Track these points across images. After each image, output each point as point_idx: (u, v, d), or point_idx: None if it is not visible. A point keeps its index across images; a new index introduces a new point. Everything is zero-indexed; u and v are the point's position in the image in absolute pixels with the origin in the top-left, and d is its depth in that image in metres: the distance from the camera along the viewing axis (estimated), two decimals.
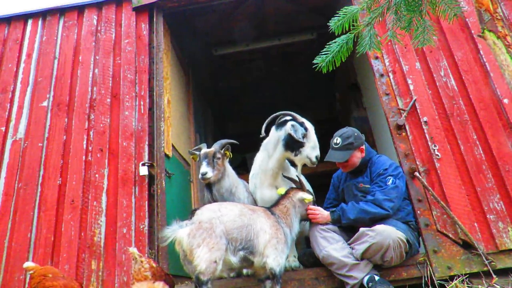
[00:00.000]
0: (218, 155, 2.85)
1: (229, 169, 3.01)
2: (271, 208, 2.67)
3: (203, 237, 2.16)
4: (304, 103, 7.55)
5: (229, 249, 2.26)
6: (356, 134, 2.73)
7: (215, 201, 2.82)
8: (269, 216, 2.54)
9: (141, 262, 2.15)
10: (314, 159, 2.69)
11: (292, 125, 2.68)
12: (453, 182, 2.76)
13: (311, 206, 2.69)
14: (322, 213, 2.65)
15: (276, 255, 2.35)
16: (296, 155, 2.69)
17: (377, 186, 2.59)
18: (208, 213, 2.31)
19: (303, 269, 2.84)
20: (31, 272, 2.13)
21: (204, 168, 2.77)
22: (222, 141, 2.96)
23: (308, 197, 2.64)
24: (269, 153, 2.84)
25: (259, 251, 2.34)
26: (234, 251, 2.28)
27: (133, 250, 2.17)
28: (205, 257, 2.11)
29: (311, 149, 2.69)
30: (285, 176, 2.89)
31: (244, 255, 2.31)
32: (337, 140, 2.72)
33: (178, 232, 2.18)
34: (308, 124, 2.75)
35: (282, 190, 2.76)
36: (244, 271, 2.79)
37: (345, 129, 2.79)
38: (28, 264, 2.18)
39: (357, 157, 2.72)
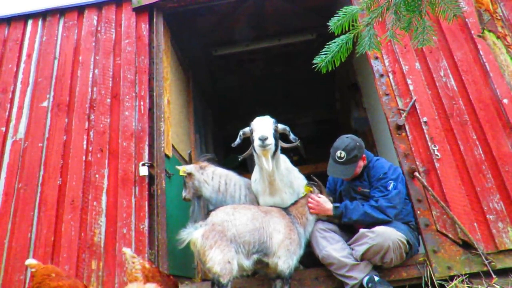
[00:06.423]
0: (184, 175, 3.12)
1: (207, 175, 3.10)
2: (289, 207, 2.71)
3: (215, 239, 2.21)
4: (304, 103, 7.56)
5: (242, 252, 2.28)
6: (358, 144, 2.63)
7: (204, 208, 2.99)
8: (283, 216, 2.58)
9: (133, 263, 2.10)
10: (258, 142, 2.54)
11: (243, 133, 2.86)
12: (453, 182, 2.77)
13: (314, 195, 2.69)
14: (323, 205, 2.63)
15: (287, 257, 2.41)
16: (254, 147, 2.65)
17: (378, 191, 2.57)
18: (221, 216, 2.35)
19: (303, 269, 2.84)
20: (33, 270, 2.06)
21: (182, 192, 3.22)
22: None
23: (306, 188, 2.71)
24: (258, 164, 2.79)
25: (272, 251, 2.39)
26: (247, 255, 2.31)
27: (125, 250, 2.13)
28: (218, 259, 2.15)
29: (255, 136, 2.60)
30: (310, 181, 2.85)
31: (258, 258, 2.35)
32: (341, 154, 2.60)
33: (193, 234, 2.25)
34: (253, 122, 2.75)
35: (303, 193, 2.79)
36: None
37: (347, 139, 2.66)
38: (31, 261, 2.11)
39: (360, 166, 2.68)
